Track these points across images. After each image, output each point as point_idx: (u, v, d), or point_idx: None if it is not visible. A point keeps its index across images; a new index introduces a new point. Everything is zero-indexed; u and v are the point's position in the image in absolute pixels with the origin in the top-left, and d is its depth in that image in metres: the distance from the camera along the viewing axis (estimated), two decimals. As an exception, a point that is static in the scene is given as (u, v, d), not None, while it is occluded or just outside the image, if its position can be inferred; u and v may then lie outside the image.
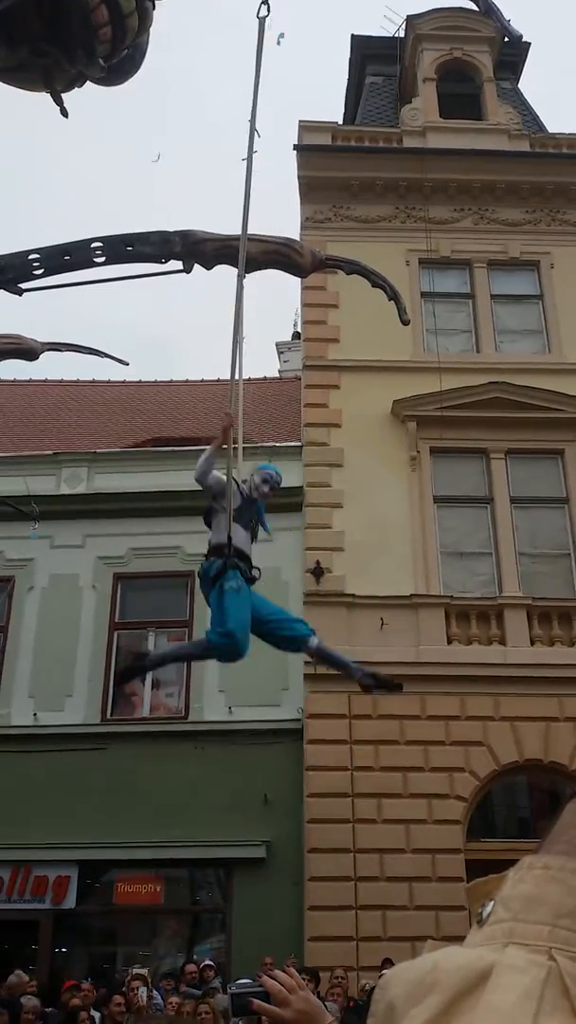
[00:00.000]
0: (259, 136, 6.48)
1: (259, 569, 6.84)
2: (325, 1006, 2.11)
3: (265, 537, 7.22)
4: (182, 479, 13.43)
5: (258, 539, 7.06)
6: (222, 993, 8.51)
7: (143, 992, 8.71)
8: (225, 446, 6.81)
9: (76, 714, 12.87)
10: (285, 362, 28.03)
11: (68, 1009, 8.42)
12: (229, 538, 6.54)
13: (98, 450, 14.76)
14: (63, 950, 12.36)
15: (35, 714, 12.84)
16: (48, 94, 6.12)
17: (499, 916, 0.60)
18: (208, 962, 10.63)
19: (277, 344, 30.75)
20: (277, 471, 7.17)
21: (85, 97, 6.21)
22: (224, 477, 6.75)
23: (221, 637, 6.47)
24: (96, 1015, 8.64)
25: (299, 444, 14.31)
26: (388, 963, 10.11)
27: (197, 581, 13.79)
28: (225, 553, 6.57)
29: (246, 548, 6.77)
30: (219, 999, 8.33)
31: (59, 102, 6.15)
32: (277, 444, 14.65)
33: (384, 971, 9.50)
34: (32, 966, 11.20)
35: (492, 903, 0.62)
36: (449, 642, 12.79)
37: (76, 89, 6.18)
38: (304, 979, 2.15)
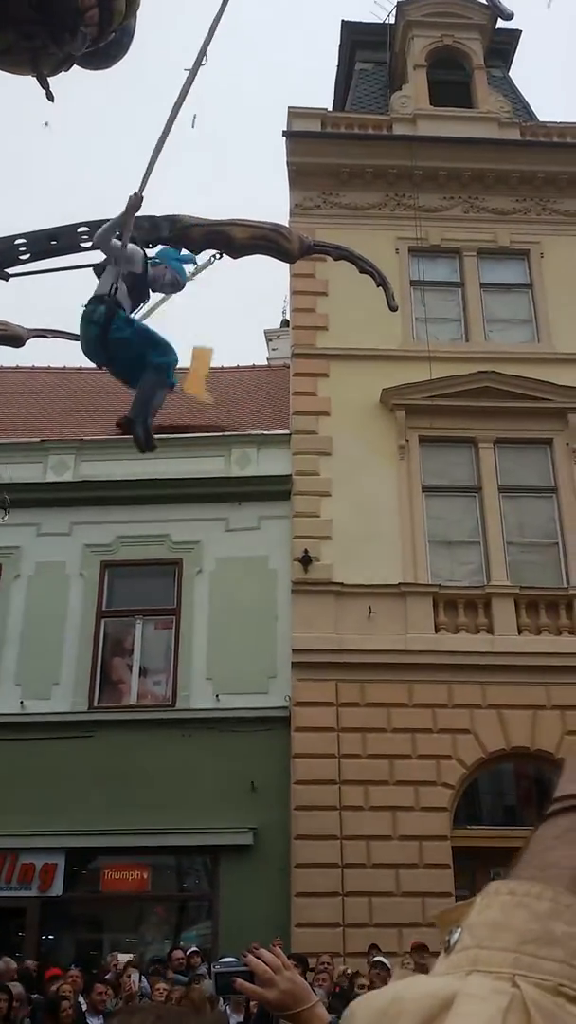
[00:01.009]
0: (206, 61, 6.40)
1: (134, 321, 7.20)
2: (313, 991, 2.10)
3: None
4: (169, 467, 13.46)
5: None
6: (208, 979, 8.54)
7: (135, 978, 8.73)
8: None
9: (63, 702, 12.85)
10: (274, 350, 28.01)
11: (53, 996, 8.41)
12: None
13: (85, 438, 14.69)
14: (50, 937, 12.37)
15: (22, 702, 12.81)
16: (35, 78, 6.05)
17: (465, 943, 0.59)
18: (194, 948, 10.67)
19: (266, 332, 30.73)
20: (185, 281, 7.47)
21: (73, 80, 6.15)
22: (122, 245, 6.95)
23: (169, 355, 6.95)
24: (83, 1002, 8.65)
25: (288, 432, 14.29)
26: (375, 949, 10.17)
27: (183, 571, 13.77)
28: (106, 299, 6.80)
29: (126, 306, 7.01)
30: (206, 985, 8.36)
31: (45, 86, 6.09)
32: (266, 432, 14.64)
33: (376, 955, 9.55)
34: (19, 953, 11.21)
35: (459, 930, 0.60)
36: (437, 630, 12.82)
37: (63, 72, 6.12)
38: (291, 964, 2.13)
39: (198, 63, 6.26)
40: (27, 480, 13.68)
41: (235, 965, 2.07)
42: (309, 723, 12.27)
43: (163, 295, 7.59)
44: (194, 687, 12.87)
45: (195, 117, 7.38)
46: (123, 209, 6.63)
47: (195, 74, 6.32)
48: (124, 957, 9.92)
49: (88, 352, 6.98)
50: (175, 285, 7.35)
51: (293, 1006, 1.91)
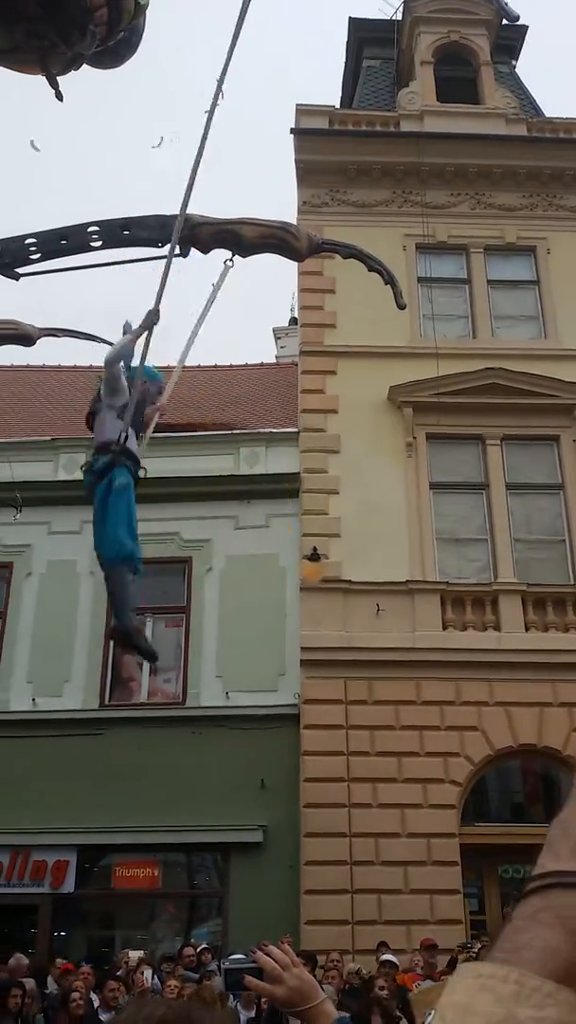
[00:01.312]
0: (223, 97, 6.42)
1: (145, 469, 7.33)
2: (322, 988, 2.11)
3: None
4: (179, 465, 13.47)
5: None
6: (219, 976, 8.58)
7: (148, 975, 8.77)
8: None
9: (74, 699, 12.89)
10: (282, 348, 27.96)
11: (64, 990, 8.47)
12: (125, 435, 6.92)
13: (95, 436, 14.70)
14: (62, 934, 12.43)
15: (33, 699, 12.87)
16: (44, 77, 6.07)
17: None
18: (205, 945, 10.70)
19: (274, 330, 30.68)
20: (162, 382, 7.65)
21: (84, 80, 6.17)
22: (122, 374, 7.05)
23: (122, 553, 7.18)
24: (95, 998, 8.70)
25: (296, 430, 14.30)
26: (383, 947, 10.18)
27: (193, 569, 13.79)
28: (113, 449, 6.85)
29: (134, 448, 7.11)
30: (216, 982, 8.39)
31: (54, 85, 6.11)
32: (274, 430, 14.64)
33: (384, 952, 9.57)
34: (31, 950, 11.27)
35: (433, 1013, 0.62)
36: (444, 628, 12.82)
37: (73, 72, 6.13)
38: (300, 961, 2.16)
39: (215, 100, 6.29)
40: (38, 479, 13.72)
41: (244, 962, 2.07)
42: (318, 720, 12.29)
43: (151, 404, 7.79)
44: (204, 685, 12.90)
45: (162, 140, 7.48)
46: (140, 325, 6.73)
47: (213, 113, 6.36)
48: (135, 955, 9.96)
49: (87, 496, 7.24)
50: (160, 391, 7.66)
51: (301, 1003, 1.94)
